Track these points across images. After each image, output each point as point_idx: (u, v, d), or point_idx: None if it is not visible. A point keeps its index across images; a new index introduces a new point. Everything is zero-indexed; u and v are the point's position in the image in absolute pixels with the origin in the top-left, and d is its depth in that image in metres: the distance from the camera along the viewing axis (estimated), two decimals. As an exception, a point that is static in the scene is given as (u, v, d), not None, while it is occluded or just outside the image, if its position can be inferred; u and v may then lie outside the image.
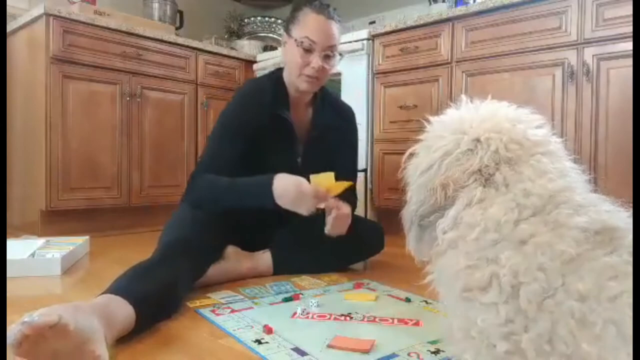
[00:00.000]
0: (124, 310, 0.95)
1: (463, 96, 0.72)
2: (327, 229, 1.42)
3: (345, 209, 1.42)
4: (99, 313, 0.86)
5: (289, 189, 1.29)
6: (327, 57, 1.46)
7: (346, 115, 1.68)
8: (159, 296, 1.05)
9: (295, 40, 1.45)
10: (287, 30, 1.50)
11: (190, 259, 1.24)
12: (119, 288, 1.01)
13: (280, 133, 1.51)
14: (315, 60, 1.43)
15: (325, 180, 1.34)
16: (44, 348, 0.73)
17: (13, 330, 0.71)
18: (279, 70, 1.60)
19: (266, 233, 1.60)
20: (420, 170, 0.66)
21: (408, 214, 0.69)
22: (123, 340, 0.94)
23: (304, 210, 1.29)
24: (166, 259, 1.20)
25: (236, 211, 1.41)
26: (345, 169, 1.60)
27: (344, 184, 1.35)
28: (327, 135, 1.59)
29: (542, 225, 0.55)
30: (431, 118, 0.72)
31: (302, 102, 1.58)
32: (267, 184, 1.31)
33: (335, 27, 1.46)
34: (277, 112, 1.50)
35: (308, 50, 1.44)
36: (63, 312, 0.74)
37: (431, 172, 0.65)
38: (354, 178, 1.65)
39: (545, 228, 0.54)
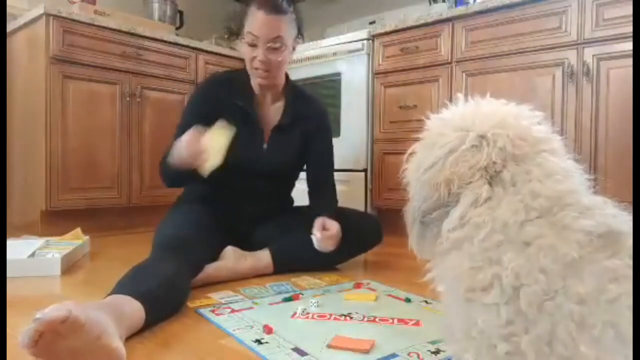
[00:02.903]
0: (132, 307, 0.96)
1: (460, 95, 0.71)
2: (316, 245, 1.47)
3: (333, 228, 1.48)
4: (107, 310, 0.87)
5: (180, 143, 1.32)
6: (273, 50, 1.49)
7: (317, 107, 1.72)
8: (163, 291, 1.07)
9: (244, 37, 1.52)
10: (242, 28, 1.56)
11: (186, 254, 1.27)
12: (123, 288, 1.02)
13: (242, 121, 1.53)
14: (259, 53, 1.48)
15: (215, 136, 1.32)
16: (61, 345, 0.74)
17: (27, 329, 0.71)
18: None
19: (253, 228, 1.67)
20: (423, 167, 0.66)
21: (411, 211, 0.68)
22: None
23: (190, 159, 1.30)
24: (164, 256, 1.23)
25: (222, 202, 1.59)
26: (321, 162, 1.70)
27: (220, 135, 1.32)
28: (298, 124, 1.64)
29: (547, 228, 0.54)
30: (431, 115, 0.72)
31: (270, 95, 1.63)
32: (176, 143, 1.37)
33: (277, 19, 1.47)
34: (237, 102, 1.56)
35: (253, 45, 1.49)
36: (72, 307, 0.74)
37: (435, 169, 0.64)
38: (330, 166, 1.74)
39: (551, 230, 0.54)
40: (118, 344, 0.80)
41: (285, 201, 1.79)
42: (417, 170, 0.67)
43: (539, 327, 0.51)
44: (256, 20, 1.47)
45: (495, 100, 0.69)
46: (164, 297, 1.06)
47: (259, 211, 1.66)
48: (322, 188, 1.69)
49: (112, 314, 0.86)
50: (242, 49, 1.55)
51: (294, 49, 1.59)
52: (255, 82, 1.57)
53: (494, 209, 0.58)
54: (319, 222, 1.49)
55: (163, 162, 1.49)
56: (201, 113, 1.54)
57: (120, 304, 0.94)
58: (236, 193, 1.62)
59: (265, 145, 1.61)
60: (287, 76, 1.69)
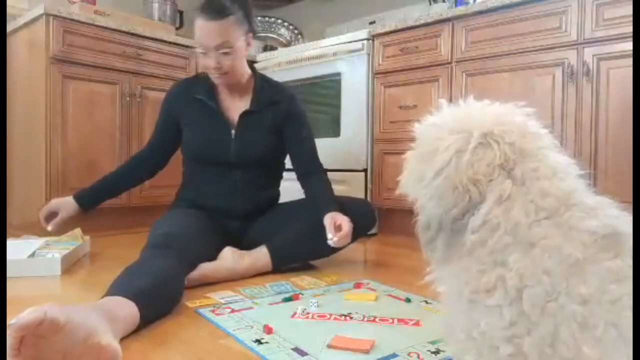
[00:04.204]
0: (125, 307, 0.95)
1: (442, 100, 0.70)
2: (331, 243, 1.46)
3: (346, 225, 1.46)
4: (97, 311, 0.86)
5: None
6: (223, 54, 1.51)
7: (285, 92, 1.72)
8: (157, 289, 1.07)
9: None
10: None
11: (179, 251, 1.27)
12: (115, 289, 1.02)
13: (206, 114, 1.63)
14: (211, 62, 1.52)
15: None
16: (47, 349, 0.73)
17: (7, 339, 0.70)
18: None
19: (246, 226, 1.68)
20: (431, 174, 0.63)
21: (432, 219, 0.64)
22: (123, 340, 0.95)
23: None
24: (156, 254, 1.24)
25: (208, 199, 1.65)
26: (302, 145, 1.70)
27: None
28: (265, 111, 1.65)
29: (554, 228, 0.54)
30: (417, 124, 0.70)
31: (234, 89, 1.65)
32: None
33: (220, 24, 1.47)
34: (197, 97, 1.62)
35: (203, 53, 1.52)
36: (49, 308, 0.73)
37: (449, 172, 0.62)
38: (314, 150, 1.72)
39: (557, 231, 0.54)
40: (110, 341, 0.79)
41: (272, 195, 1.78)
42: (421, 179, 0.65)
43: (542, 329, 0.51)
44: (200, 29, 1.48)
45: (478, 102, 0.68)
46: (157, 295, 1.06)
47: (247, 206, 1.67)
48: (313, 175, 1.68)
49: (104, 316, 0.85)
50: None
51: (249, 44, 1.59)
52: (215, 82, 1.61)
53: (509, 210, 0.57)
54: (329, 221, 1.48)
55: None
56: (166, 113, 1.68)
57: (113, 305, 0.93)
58: (219, 189, 1.64)
59: (233, 131, 1.62)
60: (252, 68, 1.71)
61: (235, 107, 1.65)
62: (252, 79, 1.69)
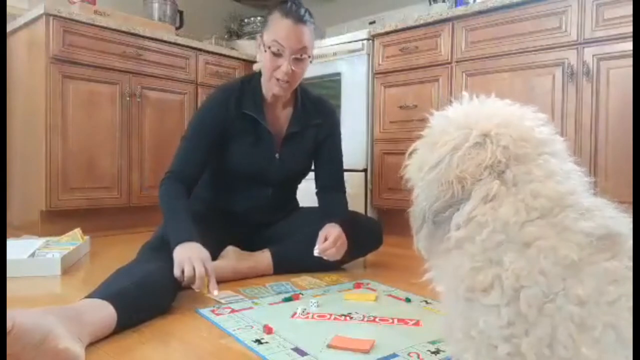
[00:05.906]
0: (99, 310, 0.94)
1: (465, 93, 0.71)
2: (315, 253, 1.46)
3: (331, 236, 1.45)
4: (58, 313, 0.85)
5: (185, 253, 1.21)
6: (297, 61, 1.45)
7: (326, 111, 1.69)
8: (138, 289, 1.05)
9: (265, 44, 1.45)
10: (261, 34, 1.50)
11: (169, 254, 1.24)
12: (95, 291, 1.01)
13: (253, 131, 1.53)
14: (285, 65, 1.43)
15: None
16: None
17: None
18: (258, 74, 1.58)
19: (258, 231, 1.66)
20: (428, 165, 0.65)
21: (419, 211, 0.67)
22: (124, 340, 0.95)
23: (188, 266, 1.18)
24: (148, 257, 1.23)
25: (225, 209, 1.59)
26: (332, 162, 1.69)
27: None
28: (308, 132, 1.62)
29: (548, 228, 0.54)
30: (435, 113, 0.72)
31: (280, 102, 1.57)
32: (175, 242, 1.25)
33: (304, 30, 1.43)
34: (246, 112, 1.51)
35: (277, 55, 1.43)
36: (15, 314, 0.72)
37: (441, 167, 0.63)
38: (341, 170, 1.72)
39: (551, 231, 0.54)
40: (68, 345, 0.78)
41: (291, 205, 1.78)
42: (420, 169, 0.67)
43: (539, 330, 0.51)
44: (282, 29, 1.41)
45: (499, 100, 0.69)
46: (138, 296, 1.04)
47: (266, 218, 1.67)
48: (334, 191, 1.68)
49: (66, 317, 0.84)
50: (262, 57, 1.48)
51: (311, 59, 1.52)
52: (271, 91, 1.51)
53: (496, 208, 0.58)
54: (321, 235, 1.48)
55: (165, 184, 1.44)
56: (211, 125, 1.50)
57: (85, 308, 0.92)
58: (246, 201, 1.61)
59: (277, 155, 1.58)
60: None
61: (279, 122, 1.59)
62: (294, 90, 1.62)
